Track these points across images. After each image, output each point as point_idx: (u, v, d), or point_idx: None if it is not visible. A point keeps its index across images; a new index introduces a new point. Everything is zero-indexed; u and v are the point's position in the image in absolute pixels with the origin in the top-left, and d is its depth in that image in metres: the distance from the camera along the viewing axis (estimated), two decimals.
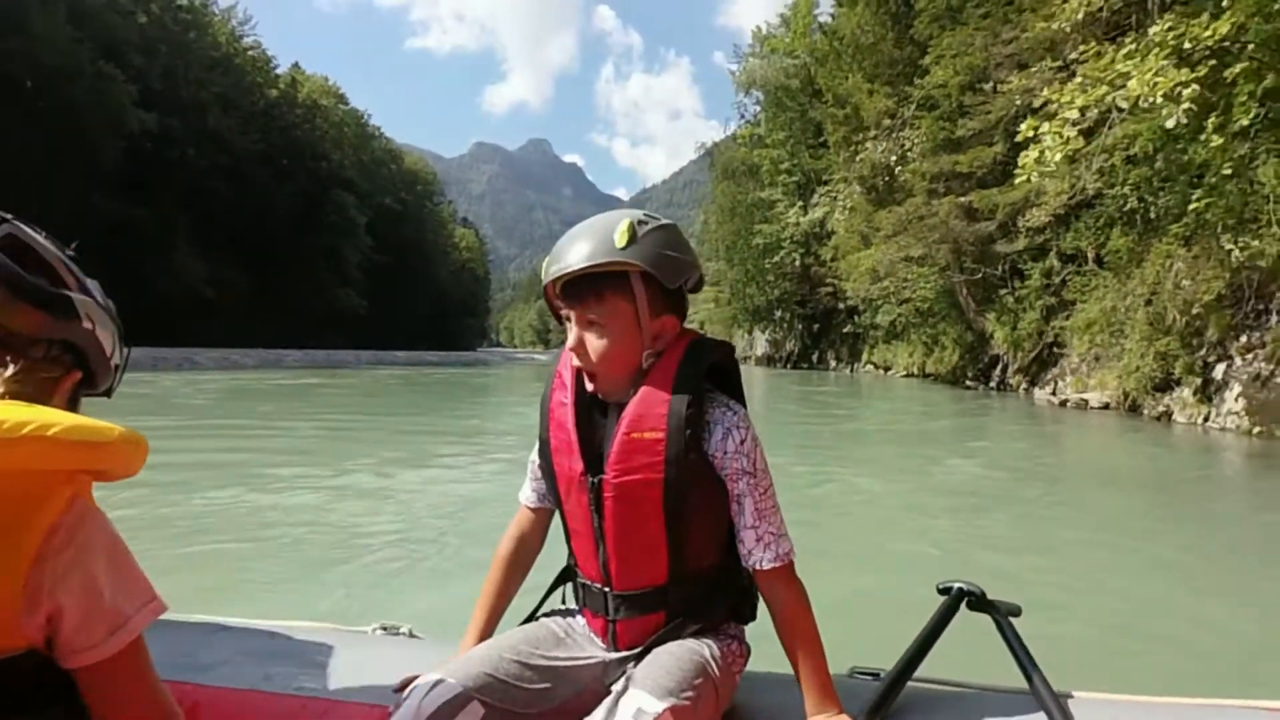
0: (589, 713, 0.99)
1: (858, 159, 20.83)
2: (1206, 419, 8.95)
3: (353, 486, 5.45)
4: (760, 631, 1.19)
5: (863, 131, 21.40)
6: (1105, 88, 6.67)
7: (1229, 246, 7.59)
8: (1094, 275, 12.80)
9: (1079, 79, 7.16)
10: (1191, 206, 7.72)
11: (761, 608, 1.18)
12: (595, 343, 1.10)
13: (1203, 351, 9.03)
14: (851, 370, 35.60)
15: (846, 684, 1.17)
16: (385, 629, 1.39)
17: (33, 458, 0.66)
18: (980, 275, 18.33)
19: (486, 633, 1.24)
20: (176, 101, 45.16)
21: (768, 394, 18.75)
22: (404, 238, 71.82)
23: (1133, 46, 6.71)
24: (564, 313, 1.14)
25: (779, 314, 43.31)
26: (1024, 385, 16.48)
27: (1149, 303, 9.95)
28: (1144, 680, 2.06)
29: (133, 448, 0.74)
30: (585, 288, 1.09)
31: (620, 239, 1.06)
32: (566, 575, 1.25)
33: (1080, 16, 8.11)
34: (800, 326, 42.73)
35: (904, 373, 27.84)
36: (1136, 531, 4.68)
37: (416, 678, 1.06)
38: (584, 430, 1.14)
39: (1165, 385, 9.91)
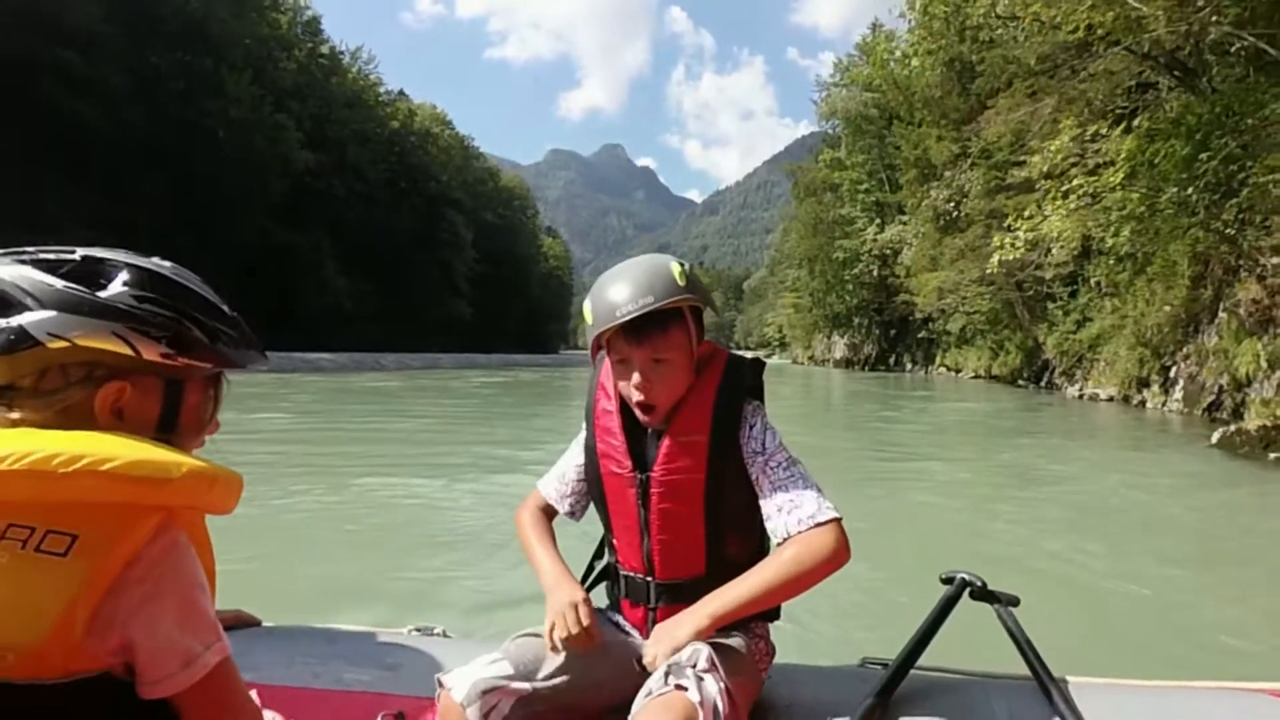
0: (628, 698, 1.05)
1: (923, 204, 24.85)
2: (1164, 405, 12.74)
3: (407, 491, 5.58)
4: (780, 628, 1.27)
5: (931, 169, 25.25)
6: (1041, 219, 10.93)
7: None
8: (1103, 299, 16.51)
9: (1027, 213, 11.47)
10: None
11: (785, 607, 1.24)
12: (661, 378, 1.17)
13: (1164, 358, 12.89)
14: (925, 372, 38.36)
15: (858, 673, 1.28)
16: (420, 630, 1.47)
17: (87, 491, 0.65)
18: (1032, 292, 21.97)
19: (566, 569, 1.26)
20: (323, 140, 52.06)
21: (846, 397, 21.80)
22: (502, 250, 77.09)
23: (1070, 185, 10.91)
24: (620, 357, 1.19)
25: (857, 320, 46.82)
26: (1065, 385, 20.10)
27: (1135, 322, 13.79)
28: (1141, 666, 2.04)
29: (205, 484, 0.72)
30: (653, 326, 1.14)
31: (681, 279, 1.15)
32: (606, 573, 1.35)
33: (1055, 161, 12.21)
34: (878, 332, 46.04)
35: (972, 374, 30.65)
36: (1124, 518, 5.03)
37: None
38: (631, 435, 1.24)
39: (1145, 382, 13.73)
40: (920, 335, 38.76)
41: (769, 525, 1.16)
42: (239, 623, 1.44)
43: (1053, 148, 11.62)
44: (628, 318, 1.12)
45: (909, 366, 41.99)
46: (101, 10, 34.65)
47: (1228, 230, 9.28)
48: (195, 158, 40.17)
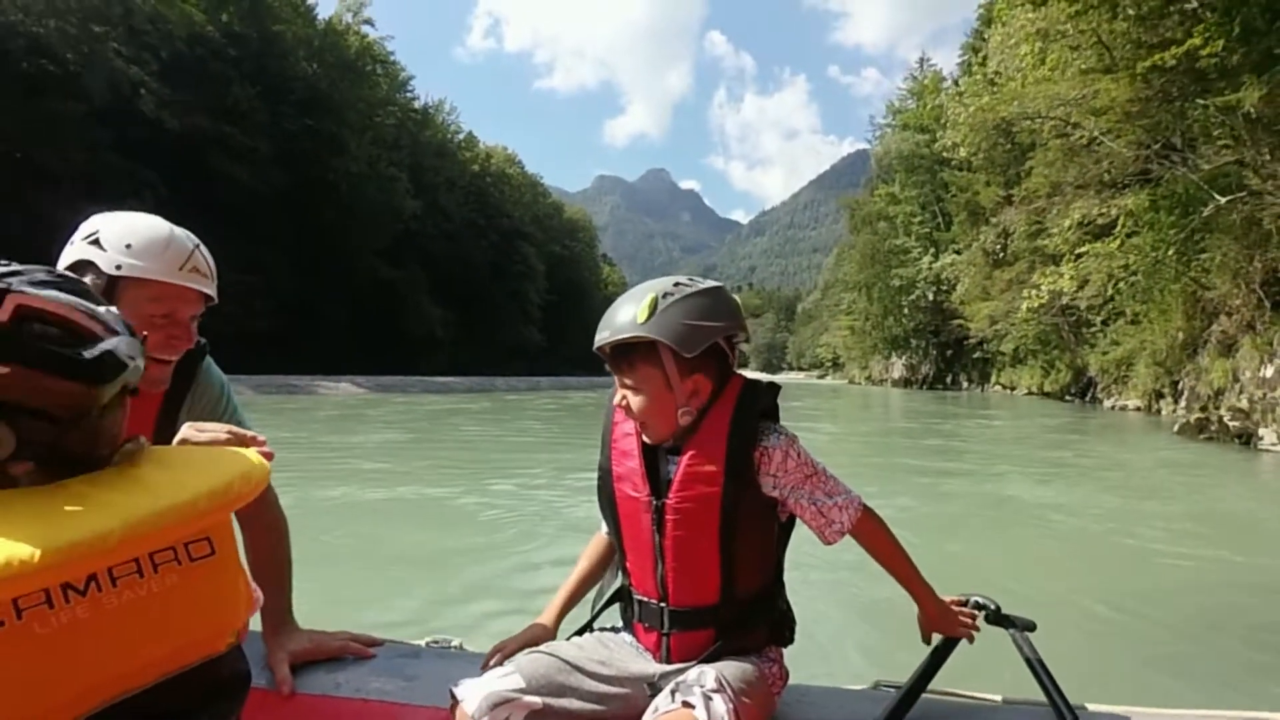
0: (637, 716, 1.09)
1: (972, 246, 28.38)
2: (1174, 411, 16.06)
3: (440, 507, 5.74)
4: (795, 651, 1.30)
5: (980, 210, 28.67)
6: (1058, 277, 14.69)
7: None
8: (1129, 326, 19.92)
9: (1047, 272, 15.23)
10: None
11: (798, 632, 1.30)
12: (635, 401, 1.25)
13: (1173, 375, 16.29)
14: (981, 390, 40.74)
15: (870, 695, 1.28)
16: (436, 642, 1.51)
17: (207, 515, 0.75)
18: (1075, 318, 25.27)
19: (563, 612, 1.39)
20: (419, 186, 58.04)
21: (906, 414, 24.48)
22: (567, 279, 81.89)
23: (1083, 250, 14.62)
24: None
25: (915, 342, 49.86)
26: (1104, 399, 23.29)
27: (1152, 345, 17.21)
28: (1159, 694, 2.04)
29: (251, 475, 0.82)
30: (620, 357, 1.24)
31: (641, 315, 1.19)
32: (619, 595, 1.37)
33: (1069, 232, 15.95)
34: (935, 352, 48.89)
35: (1026, 391, 33.04)
36: (1147, 537, 4.92)
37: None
38: (648, 459, 1.27)
39: (1160, 394, 17.11)
40: (975, 355, 40.66)
41: (824, 520, 1.23)
42: (346, 653, 1.43)
43: (1064, 225, 15.29)
44: (597, 346, 1.25)
45: (965, 385, 44.34)
46: (258, 89, 41.01)
47: (1202, 281, 12.75)
48: (321, 209, 46.18)
